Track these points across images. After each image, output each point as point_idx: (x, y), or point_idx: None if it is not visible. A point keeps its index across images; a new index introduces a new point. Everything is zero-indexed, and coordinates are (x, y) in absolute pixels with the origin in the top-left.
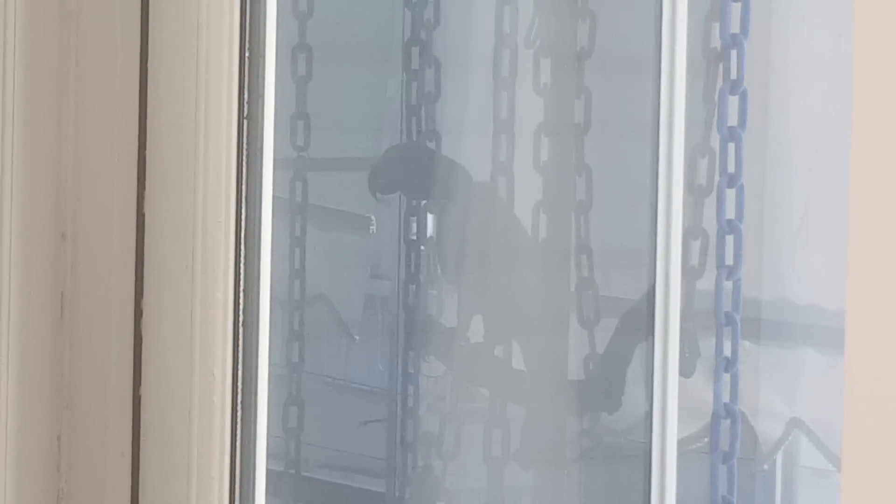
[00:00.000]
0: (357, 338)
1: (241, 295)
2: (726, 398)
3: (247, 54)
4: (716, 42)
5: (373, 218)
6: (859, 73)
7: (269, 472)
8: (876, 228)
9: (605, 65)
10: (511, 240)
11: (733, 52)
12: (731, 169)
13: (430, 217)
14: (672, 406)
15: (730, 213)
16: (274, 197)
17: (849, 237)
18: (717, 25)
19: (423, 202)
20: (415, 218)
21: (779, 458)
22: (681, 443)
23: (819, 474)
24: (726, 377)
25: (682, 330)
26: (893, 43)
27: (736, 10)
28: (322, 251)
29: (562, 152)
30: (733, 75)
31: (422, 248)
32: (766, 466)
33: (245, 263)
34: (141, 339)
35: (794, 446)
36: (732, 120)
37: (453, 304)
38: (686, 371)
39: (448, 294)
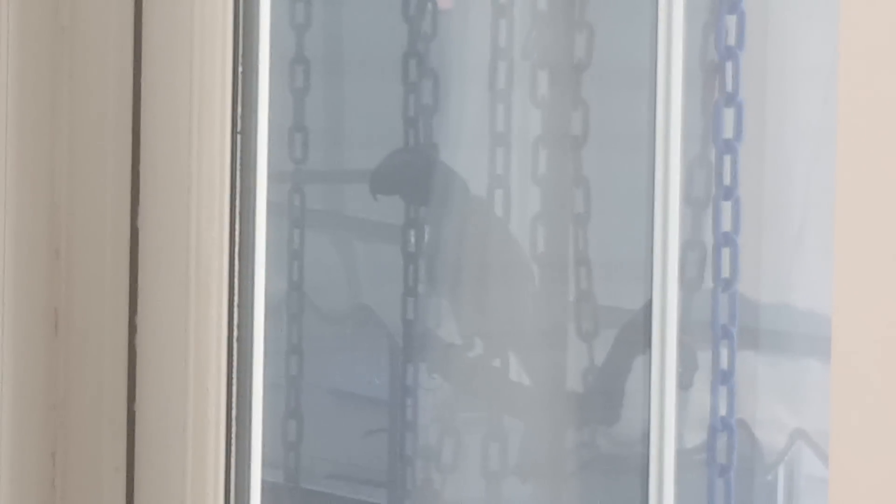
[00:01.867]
0: (358, 349)
1: (236, 310)
2: (723, 411)
3: (240, 69)
4: (712, 54)
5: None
6: (844, 83)
7: (271, 484)
8: (861, 236)
9: (603, 77)
10: (509, 252)
11: (729, 64)
12: (727, 181)
13: (428, 228)
14: (670, 418)
15: (726, 226)
16: (274, 206)
17: (834, 245)
18: (713, 37)
19: (422, 213)
20: (413, 230)
21: (781, 468)
22: (684, 454)
23: (823, 483)
24: (723, 390)
25: (680, 342)
26: (877, 53)
27: (731, 22)
28: (339, 262)
29: (560, 164)
30: (729, 87)
31: (420, 259)
32: (769, 477)
33: (239, 278)
34: (135, 354)
35: (798, 457)
36: (728, 132)
37: (451, 316)
38: (684, 383)
39: (446, 306)
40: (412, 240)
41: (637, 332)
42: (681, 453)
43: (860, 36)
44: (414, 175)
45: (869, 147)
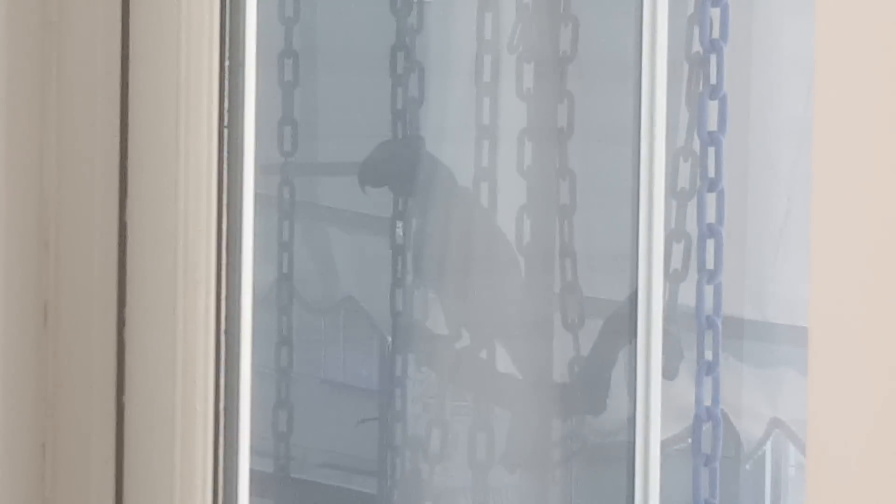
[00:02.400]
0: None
1: (224, 302)
2: (708, 401)
3: (227, 63)
4: (697, 47)
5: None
6: (820, 77)
7: (261, 474)
8: (837, 230)
9: (588, 70)
10: (496, 243)
11: (713, 57)
12: (712, 173)
13: (415, 221)
14: (655, 408)
15: (710, 218)
16: (263, 199)
17: (811, 238)
18: (697, 30)
19: (409, 206)
20: (401, 222)
21: (767, 456)
22: (664, 444)
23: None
24: (708, 380)
25: (666, 333)
26: (852, 47)
27: (715, 15)
28: (330, 254)
29: (545, 157)
30: (713, 80)
31: (408, 251)
32: (748, 466)
33: (227, 271)
34: (124, 347)
35: (780, 445)
36: (712, 125)
37: (439, 307)
38: (669, 373)
39: (433, 298)
40: (399, 232)
41: (622, 323)
42: (663, 443)
43: (836, 29)
44: (402, 167)
45: (845, 141)
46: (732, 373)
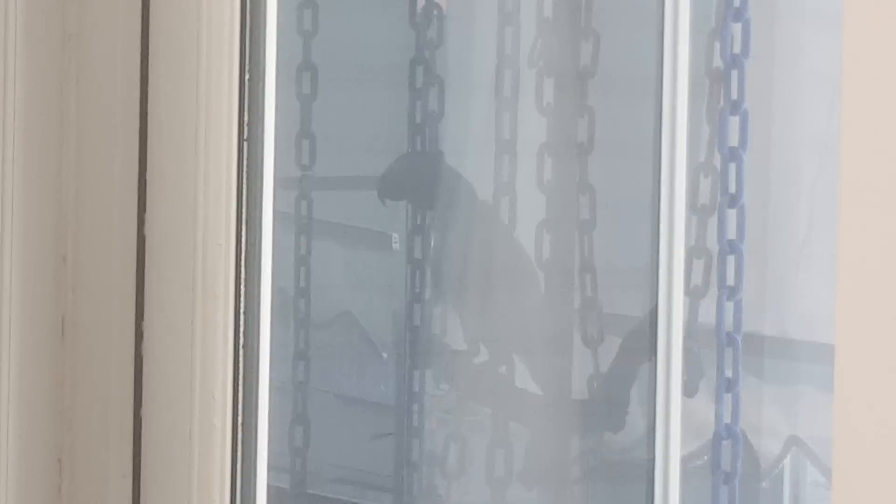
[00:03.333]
0: (383, 355)
1: (242, 316)
2: (728, 419)
3: (247, 76)
4: (718, 61)
5: (395, 235)
6: (848, 92)
7: (277, 489)
8: (865, 243)
9: (608, 84)
10: (515, 258)
11: (734, 72)
12: (733, 189)
13: (434, 235)
14: (675, 425)
15: (731, 234)
16: (280, 214)
17: (838, 251)
18: (719, 45)
19: (428, 220)
20: (419, 237)
21: (785, 474)
22: (683, 460)
23: (826, 490)
24: (727, 397)
25: (686, 349)
26: (880, 61)
27: (737, 30)
28: (340, 268)
29: (565, 172)
30: (734, 95)
31: (426, 266)
32: (765, 484)
33: (245, 285)
34: (142, 361)
35: (797, 463)
36: (733, 140)
37: (457, 323)
38: (689, 391)
39: (452, 313)
40: (418, 246)
41: (642, 340)
42: (684, 458)
43: (864, 44)
44: (422, 180)
45: (872, 155)
46: (751, 390)
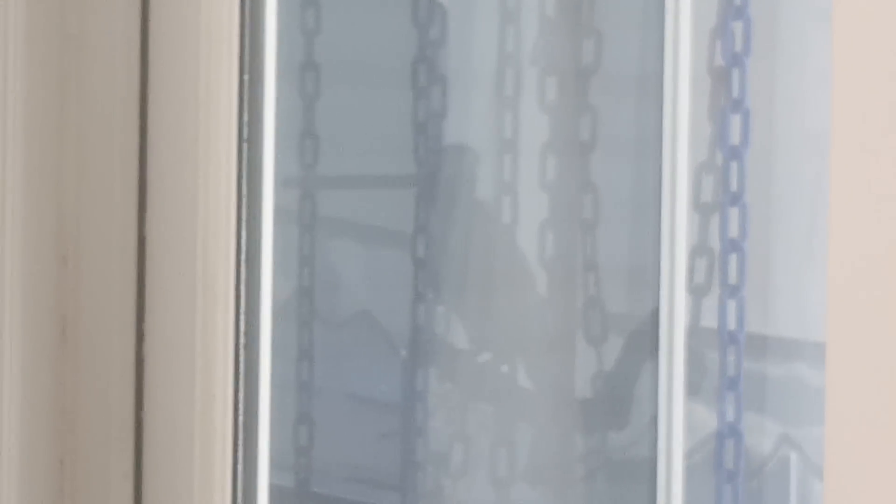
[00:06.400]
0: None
1: (243, 316)
2: (730, 417)
3: (246, 76)
4: (720, 60)
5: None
6: (838, 89)
7: (281, 489)
8: (854, 242)
9: (610, 83)
10: (517, 257)
11: (736, 71)
12: (735, 188)
13: (437, 234)
14: (678, 424)
15: (733, 232)
16: (283, 212)
17: (828, 247)
18: (720, 44)
19: (432, 218)
20: (423, 236)
21: (793, 473)
22: (685, 455)
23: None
24: (730, 396)
25: (689, 348)
26: (870, 57)
27: (738, 28)
28: (357, 267)
29: (567, 170)
30: (735, 94)
31: (429, 265)
32: (754, 482)
33: (246, 285)
34: (143, 361)
35: (785, 462)
36: (735, 138)
37: (460, 322)
38: (692, 389)
39: (455, 313)
40: (422, 244)
41: (645, 338)
42: (685, 453)
43: (853, 40)
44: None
45: (862, 153)
46: (749, 388)
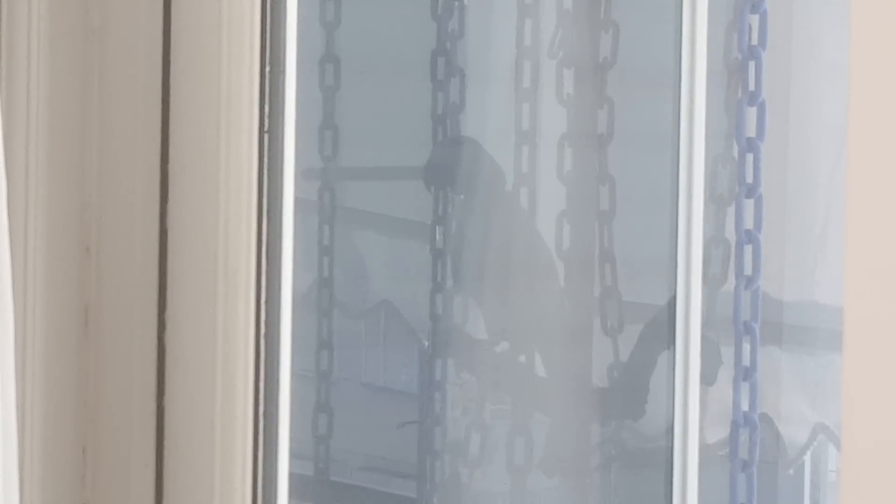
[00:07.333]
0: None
1: (263, 306)
2: (746, 406)
3: (267, 68)
4: (736, 53)
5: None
6: (856, 83)
7: (301, 477)
8: (872, 234)
9: (627, 76)
10: (535, 248)
11: (751, 64)
12: (750, 179)
13: (456, 223)
14: (693, 413)
15: (748, 224)
16: (304, 203)
17: (845, 240)
18: (736, 37)
19: (450, 210)
20: (441, 227)
21: (807, 462)
22: (708, 448)
23: None
24: (745, 386)
25: (704, 338)
26: (888, 52)
27: (754, 21)
28: (380, 258)
29: (585, 162)
30: (751, 86)
31: (448, 256)
32: (791, 471)
33: (267, 275)
34: (164, 350)
35: (822, 451)
36: (751, 131)
37: (478, 312)
38: (708, 379)
39: (473, 303)
40: (440, 235)
41: (661, 328)
42: (703, 448)
43: (871, 35)
44: (461, 168)
45: (880, 146)
46: (776, 377)
